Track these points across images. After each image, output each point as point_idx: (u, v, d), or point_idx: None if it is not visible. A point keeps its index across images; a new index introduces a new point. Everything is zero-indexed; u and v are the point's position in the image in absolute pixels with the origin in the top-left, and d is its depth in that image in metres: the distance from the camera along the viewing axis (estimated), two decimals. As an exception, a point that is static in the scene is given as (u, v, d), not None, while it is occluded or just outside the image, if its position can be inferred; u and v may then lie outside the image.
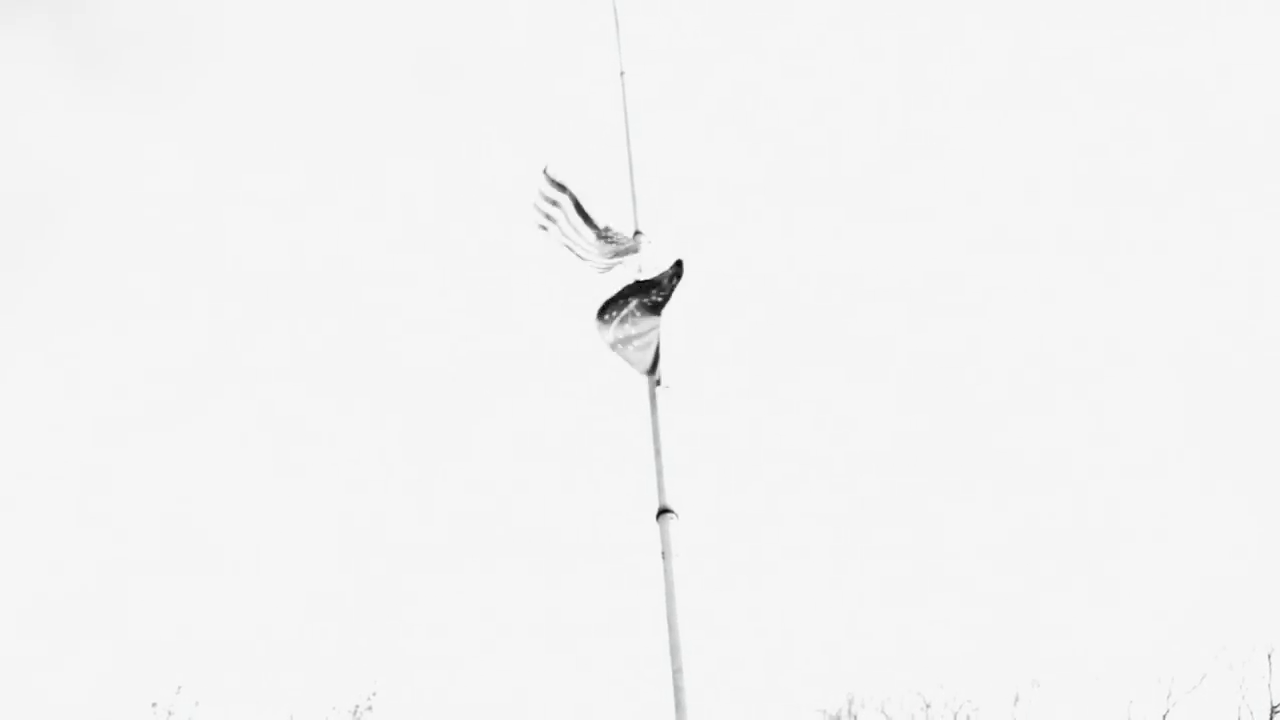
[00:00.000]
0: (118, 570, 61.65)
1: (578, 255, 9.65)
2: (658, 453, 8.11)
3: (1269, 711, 27.26)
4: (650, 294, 8.64)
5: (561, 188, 9.78)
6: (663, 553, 7.42)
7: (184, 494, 66.54)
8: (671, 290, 8.60)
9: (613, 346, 8.46)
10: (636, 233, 9.84)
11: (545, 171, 9.84)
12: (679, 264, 8.63)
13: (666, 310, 8.52)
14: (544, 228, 9.85)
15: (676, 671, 6.78)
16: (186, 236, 73.97)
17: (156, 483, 66.34)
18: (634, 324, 8.52)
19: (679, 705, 6.65)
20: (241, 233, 74.48)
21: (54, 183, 72.83)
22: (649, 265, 9.24)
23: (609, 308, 8.66)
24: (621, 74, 11.20)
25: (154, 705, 18.28)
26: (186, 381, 70.04)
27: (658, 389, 8.33)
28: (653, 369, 8.31)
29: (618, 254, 9.50)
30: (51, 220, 72.84)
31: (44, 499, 63.44)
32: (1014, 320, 76.76)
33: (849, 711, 32.81)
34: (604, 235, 9.71)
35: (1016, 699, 31.47)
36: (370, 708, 19.76)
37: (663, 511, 7.64)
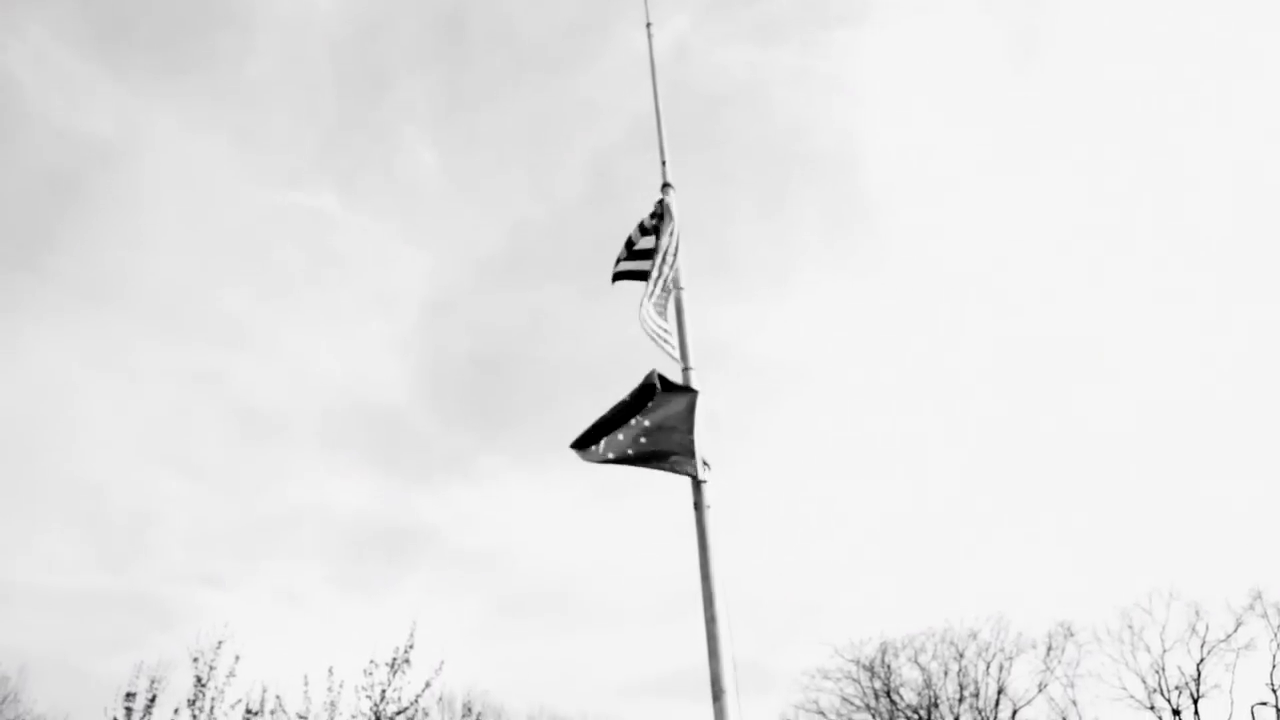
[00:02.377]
0: (154, 528, 62.62)
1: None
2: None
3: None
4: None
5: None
6: (695, 504, 7.43)
7: (230, 445, 67.30)
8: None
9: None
10: (665, 185, 9.77)
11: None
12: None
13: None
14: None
15: (710, 620, 6.80)
16: (209, 207, 74.27)
17: (187, 434, 67.07)
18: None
19: (712, 654, 6.67)
20: (262, 205, 74.69)
21: (82, 155, 73.20)
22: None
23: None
24: (648, 25, 11.08)
25: (195, 660, 18.52)
26: (210, 350, 70.60)
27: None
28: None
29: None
30: (80, 192, 73.31)
31: (66, 461, 64.27)
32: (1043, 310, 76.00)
33: (882, 661, 32.91)
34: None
35: (1050, 648, 31.44)
36: (408, 660, 19.97)
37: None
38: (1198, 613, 29.48)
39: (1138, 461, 69.14)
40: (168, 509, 67.22)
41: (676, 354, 8.41)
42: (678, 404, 7.86)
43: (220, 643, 18.68)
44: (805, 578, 70.60)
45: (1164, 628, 29.80)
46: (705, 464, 7.56)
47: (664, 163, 9.92)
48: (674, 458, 7.54)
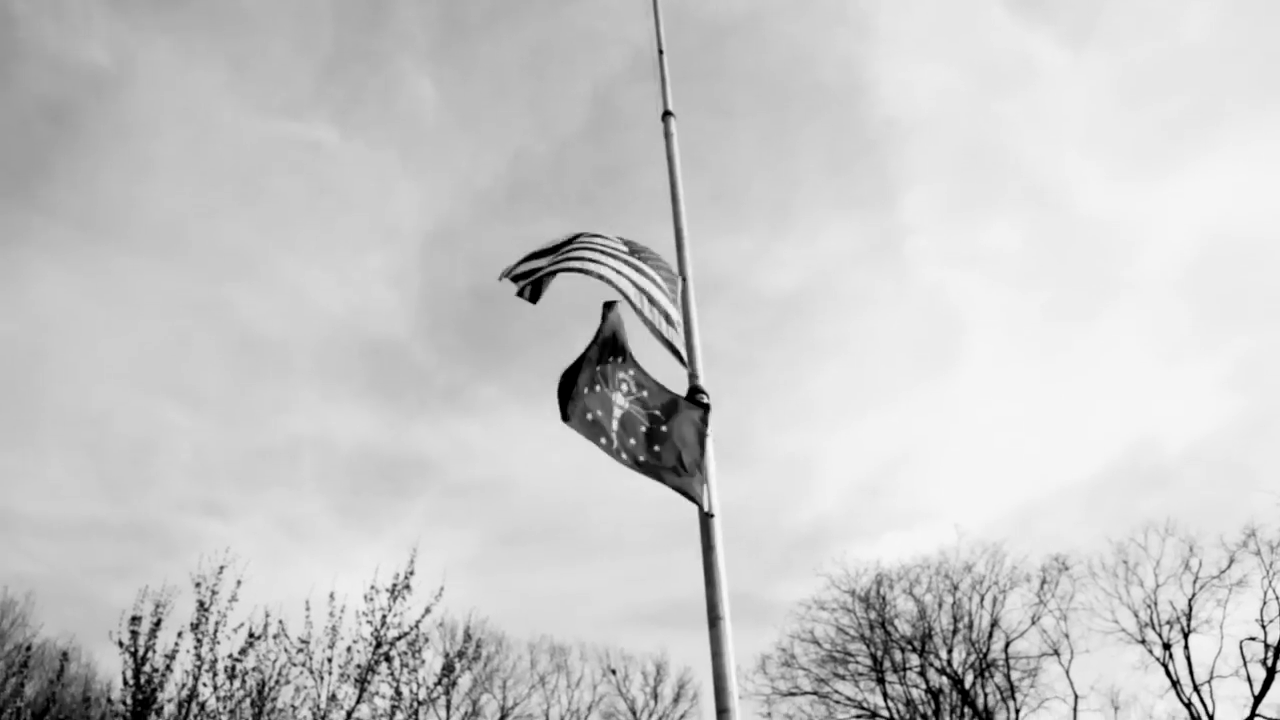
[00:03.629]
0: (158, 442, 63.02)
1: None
2: (689, 333, 8.04)
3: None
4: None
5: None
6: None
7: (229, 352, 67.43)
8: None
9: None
10: (666, 113, 9.66)
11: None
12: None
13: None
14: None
15: (708, 549, 6.80)
16: (207, 137, 73.64)
17: (187, 365, 67.25)
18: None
19: (710, 582, 6.67)
20: (259, 136, 74.10)
21: (77, 86, 72.42)
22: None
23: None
24: (649, -46, 10.88)
25: (197, 585, 18.70)
26: (210, 281, 70.50)
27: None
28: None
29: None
30: (76, 123, 72.66)
31: (68, 392, 64.55)
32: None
33: (877, 592, 33.28)
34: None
35: (1044, 581, 31.76)
36: (409, 586, 20.13)
37: (694, 392, 7.58)
38: (1191, 549, 29.76)
39: (1133, 397, 69.33)
40: (169, 439, 67.62)
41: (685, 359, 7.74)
42: (689, 419, 7.20)
43: (222, 568, 18.86)
44: (803, 510, 71.17)
45: (1158, 563, 30.14)
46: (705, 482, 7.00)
47: (665, 90, 9.79)
48: (681, 476, 6.86)
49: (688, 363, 7.78)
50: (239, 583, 18.79)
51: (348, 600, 20.16)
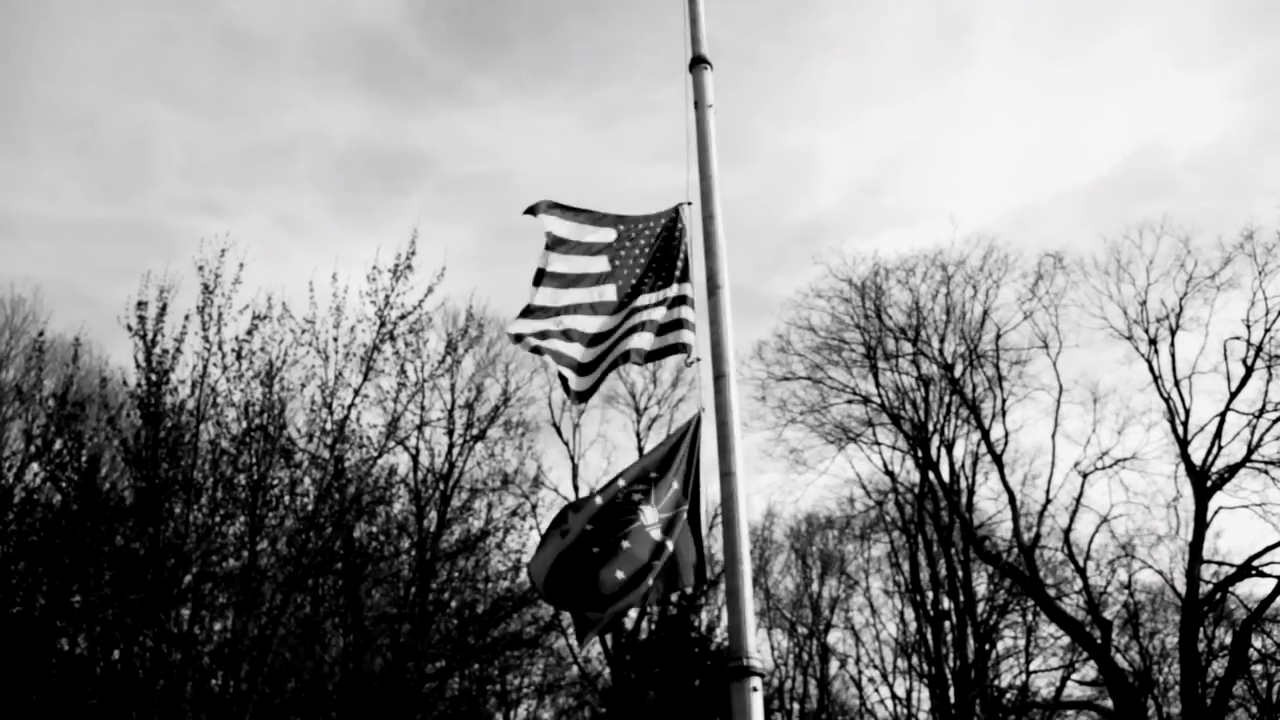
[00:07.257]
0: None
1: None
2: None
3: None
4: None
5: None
6: (695, 102, 7.17)
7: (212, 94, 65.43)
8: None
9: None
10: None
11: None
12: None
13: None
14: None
15: (708, 218, 6.76)
16: None
17: (174, 61, 65.29)
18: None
19: (709, 252, 6.68)
20: None
21: None
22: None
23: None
24: None
25: (200, 269, 18.81)
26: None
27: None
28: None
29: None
30: None
31: (52, 92, 62.95)
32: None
33: (873, 282, 33.64)
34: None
35: (1039, 277, 31.97)
36: (410, 266, 20.25)
37: (697, 61, 7.33)
38: (1187, 249, 29.66)
39: (1143, 102, 67.71)
40: (161, 139, 66.44)
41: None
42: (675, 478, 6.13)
43: (224, 251, 18.91)
44: (801, 207, 71.11)
45: (1151, 261, 30.11)
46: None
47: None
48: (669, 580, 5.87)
49: (689, 50, 7.38)
50: (241, 265, 18.90)
51: (350, 282, 20.29)
